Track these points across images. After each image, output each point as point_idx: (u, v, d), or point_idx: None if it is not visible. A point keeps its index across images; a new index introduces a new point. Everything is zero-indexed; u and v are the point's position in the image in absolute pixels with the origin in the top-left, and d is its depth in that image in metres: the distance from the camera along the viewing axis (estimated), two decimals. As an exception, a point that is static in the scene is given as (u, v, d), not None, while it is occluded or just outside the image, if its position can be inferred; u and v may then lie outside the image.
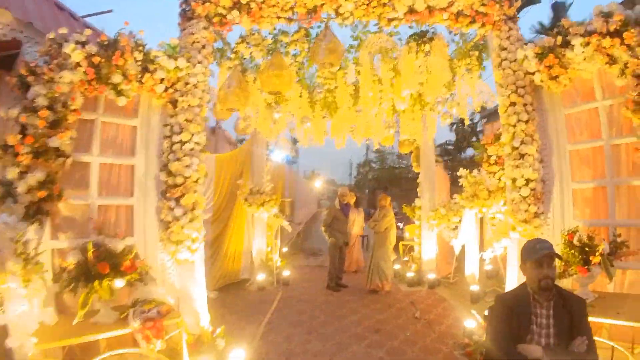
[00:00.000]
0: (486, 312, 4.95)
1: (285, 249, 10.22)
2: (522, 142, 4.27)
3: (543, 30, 14.61)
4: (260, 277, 6.94)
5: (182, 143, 3.71)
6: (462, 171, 6.37)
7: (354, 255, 8.79)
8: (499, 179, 6.88)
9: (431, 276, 7.12)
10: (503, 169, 7.15)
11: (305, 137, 7.03)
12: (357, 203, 8.85)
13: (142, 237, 3.82)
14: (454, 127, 26.64)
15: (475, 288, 6.12)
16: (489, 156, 7.10)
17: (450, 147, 27.66)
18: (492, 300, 6.07)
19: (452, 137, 28.05)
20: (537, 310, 2.37)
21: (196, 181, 3.74)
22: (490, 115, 24.28)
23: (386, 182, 30.49)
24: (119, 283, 3.19)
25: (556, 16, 12.08)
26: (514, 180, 4.30)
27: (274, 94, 3.82)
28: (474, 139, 27.09)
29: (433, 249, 7.56)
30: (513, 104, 4.35)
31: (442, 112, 6.07)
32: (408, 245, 8.75)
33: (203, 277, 4.00)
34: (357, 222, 8.59)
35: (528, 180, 4.21)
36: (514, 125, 4.32)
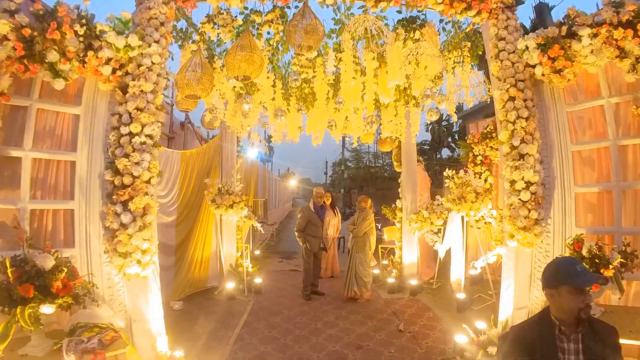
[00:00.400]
0: (479, 325, 4.59)
1: (257, 252, 9.65)
2: (522, 141, 3.88)
3: (525, 32, 14.56)
4: (230, 285, 6.33)
5: (132, 135, 3.05)
6: (447, 172, 5.99)
7: (330, 259, 8.25)
8: (485, 180, 6.58)
9: (413, 282, 6.72)
10: (489, 169, 6.89)
11: (279, 133, 6.42)
12: (333, 203, 8.28)
13: (84, 248, 3.16)
14: (430, 127, 26.67)
15: (461, 296, 5.76)
16: (475, 156, 6.80)
17: (426, 147, 27.68)
18: (479, 308, 5.75)
19: (427, 137, 28.11)
20: (564, 345, 1.94)
21: (148, 181, 3.10)
22: (467, 115, 24.54)
23: (362, 181, 30.22)
24: (46, 309, 2.56)
25: (539, 18, 11.97)
26: (512, 182, 3.90)
27: (242, 80, 3.24)
28: (449, 139, 27.28)
29: (415, 253, 7.16)
30: (512, 98, 3.96)
31: (428, 108, 5.63)
32: (387, 249, 8.34)
33: (158, 294, 3.39)
34: (332, 224, 8.05)
35: (528, 183, 3.83)
36: (513, 122, 3.92)
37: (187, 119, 14.19)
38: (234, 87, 4.62)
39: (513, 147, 3.92)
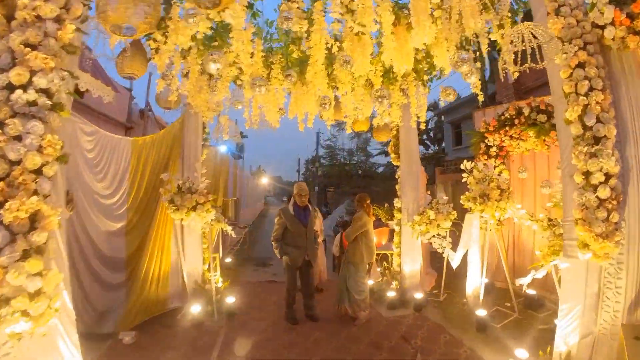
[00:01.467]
0: (520, 354, 3.62)
1: (228, 260, 8.35)
2: (598, 120, 2.90)
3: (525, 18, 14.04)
4: (195, 308, 5.03)
5: (11, 90, 1.78)
6: (465, 164, 4.98)
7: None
8: (500, 173, 5.62)
9: (417, 295, 5.67)
10: (504, 162, 5.96)
11: (255, 113, 5.11)
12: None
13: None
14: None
15: (481, 313, 4.77)
16: (489, 147, 5.85)
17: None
18: (501, 325, 4.79)
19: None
20: None
21: (38, 171, 1.82)
22: (443, 113, 23.94)
23: (337, 178, 29.22)
24: None
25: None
26: (586, 175, 2.91)
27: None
28: (424, 136, 26.80)
29: (417, 260, 6.14)
30: (581, 65, 2.98)
31: (443, 87, 4.60)
32: (380, 255, 7.25)
33: (77, 351, 2.12)
34: (317, 225, 6.79)
35: (607, 176, 2.85)
36: (586, 95, 2.93)
37: (148, 106, 12.64)
38: (195, 36, 3.28)
39: (586, 128, 2.92)
